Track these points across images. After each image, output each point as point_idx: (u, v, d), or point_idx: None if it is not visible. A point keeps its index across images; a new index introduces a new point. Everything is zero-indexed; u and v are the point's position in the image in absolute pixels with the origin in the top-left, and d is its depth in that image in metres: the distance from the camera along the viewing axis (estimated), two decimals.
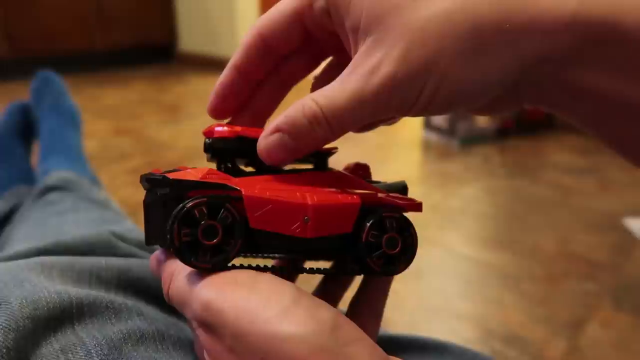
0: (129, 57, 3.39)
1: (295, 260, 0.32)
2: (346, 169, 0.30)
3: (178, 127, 2.13)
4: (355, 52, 0.24)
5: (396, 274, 0.27)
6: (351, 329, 0.21)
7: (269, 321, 0.20)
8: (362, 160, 0.31)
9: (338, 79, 0.24)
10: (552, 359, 0.86)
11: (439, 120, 1.96)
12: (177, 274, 0.25)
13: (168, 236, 0.23)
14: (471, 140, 1.93)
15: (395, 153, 1.88)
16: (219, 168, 0.27)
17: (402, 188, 0.29)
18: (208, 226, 0.23)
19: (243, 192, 0.24)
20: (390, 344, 0.34)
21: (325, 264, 0.30)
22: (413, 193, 0.28)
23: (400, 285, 1.05)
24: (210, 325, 0.22)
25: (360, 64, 0.23)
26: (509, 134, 2.01)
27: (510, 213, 1.41)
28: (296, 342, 0.20)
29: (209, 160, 0.28)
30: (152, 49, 3.53)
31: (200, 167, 0.27)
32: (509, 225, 1.35)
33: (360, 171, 0.30)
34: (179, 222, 0.23)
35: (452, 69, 0.22)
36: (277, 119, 0.25)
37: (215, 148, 0.27)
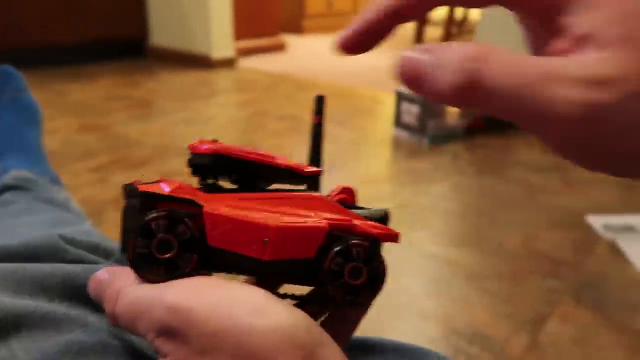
0: (98, 51, 3.31)
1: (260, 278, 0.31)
2: (333, 191, 0.30)
3: (148, 124, 2.09)
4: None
5: (358, 306, 0.26)
6: (323, 333, 0.21)
7: (247, 316, 0.20)
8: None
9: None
10: (513, 355, 0.88)
11: (410, 118, 1.97)
12: (126, 290, 0.24)
13: (127, 246, 0.23)
14: (441, 139, 1.95)
15: (366, 151, 1.89)
16: (200, 183, 0.28)
17: (382, 217, 0.29)
18: (162, 240, 0.23)
19: (204, 209, 0.24)
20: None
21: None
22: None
23: None
24: (175, 329, 0.21)
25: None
26: (478, 132, 2.04)
27: (478, 211, 1.43)
28: (277, 335, 0.19)
29: (191, 174, 0.29)
30: (122, 43, 3.45)
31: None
32: (476, 223, 1.36)
33: (344, 195, 0.29)
34: (137, 233, 0.23)
35: None
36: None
37: (194, 164, 0.27)
